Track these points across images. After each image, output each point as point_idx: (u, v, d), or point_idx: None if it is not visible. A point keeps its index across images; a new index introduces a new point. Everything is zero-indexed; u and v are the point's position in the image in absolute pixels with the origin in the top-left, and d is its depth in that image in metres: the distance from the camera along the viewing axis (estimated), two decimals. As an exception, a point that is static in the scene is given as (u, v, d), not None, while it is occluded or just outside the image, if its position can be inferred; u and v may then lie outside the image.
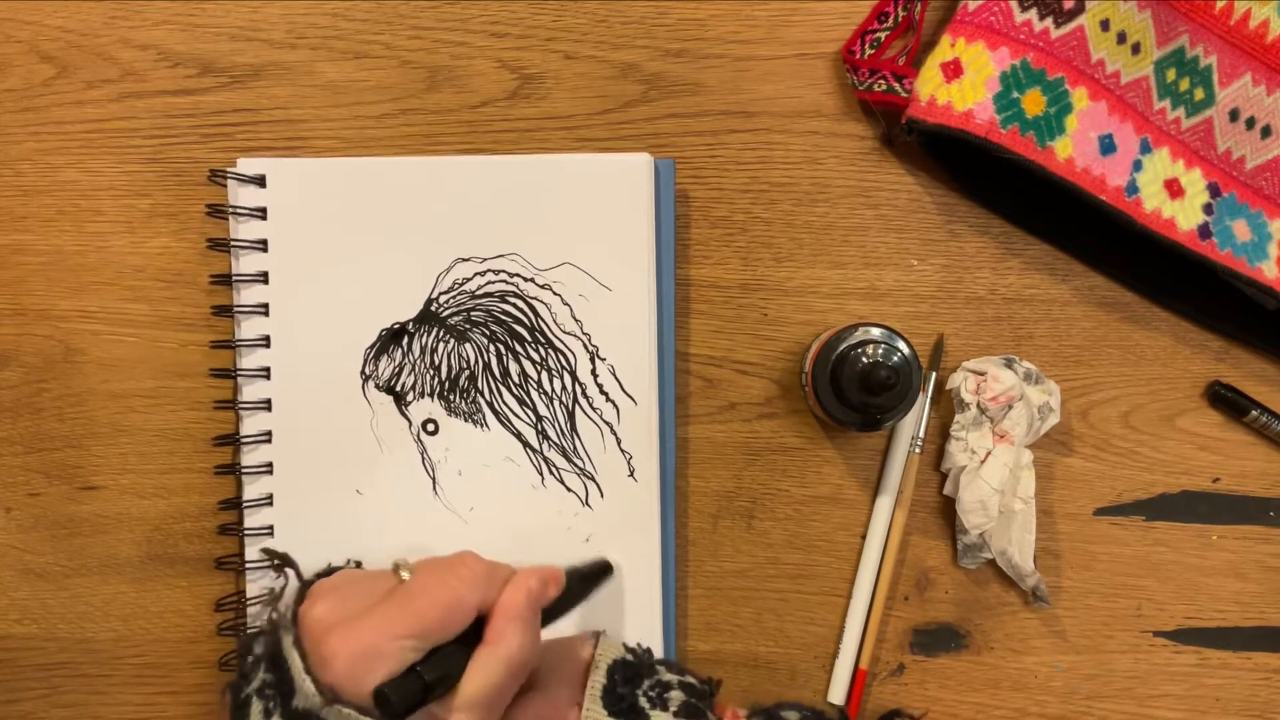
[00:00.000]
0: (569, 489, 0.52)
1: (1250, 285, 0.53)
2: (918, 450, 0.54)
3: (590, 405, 0.52)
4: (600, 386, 0.52)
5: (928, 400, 0.54)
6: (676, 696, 0.46)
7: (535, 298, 0.52)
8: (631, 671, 0.47)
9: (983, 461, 0.52)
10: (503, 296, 0.52)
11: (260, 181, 0.52)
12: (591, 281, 0.52)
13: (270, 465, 0.52)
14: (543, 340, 0.52)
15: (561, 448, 0.52)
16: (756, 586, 0.55)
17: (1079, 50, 0.50)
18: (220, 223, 0.53)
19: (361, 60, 0.54)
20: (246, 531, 0.52)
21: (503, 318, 0.52)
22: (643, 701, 0.45)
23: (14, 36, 0.54)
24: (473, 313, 0.52)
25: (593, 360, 0.52)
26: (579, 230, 0.52)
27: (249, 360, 0.52)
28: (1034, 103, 0.50)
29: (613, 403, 0.52)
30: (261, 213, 0.52)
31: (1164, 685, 0.55)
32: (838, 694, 0.54)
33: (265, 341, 0.52)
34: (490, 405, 0.52)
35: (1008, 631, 0.55)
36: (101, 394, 0.54)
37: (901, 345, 0.48)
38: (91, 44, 0.54)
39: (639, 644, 0.49)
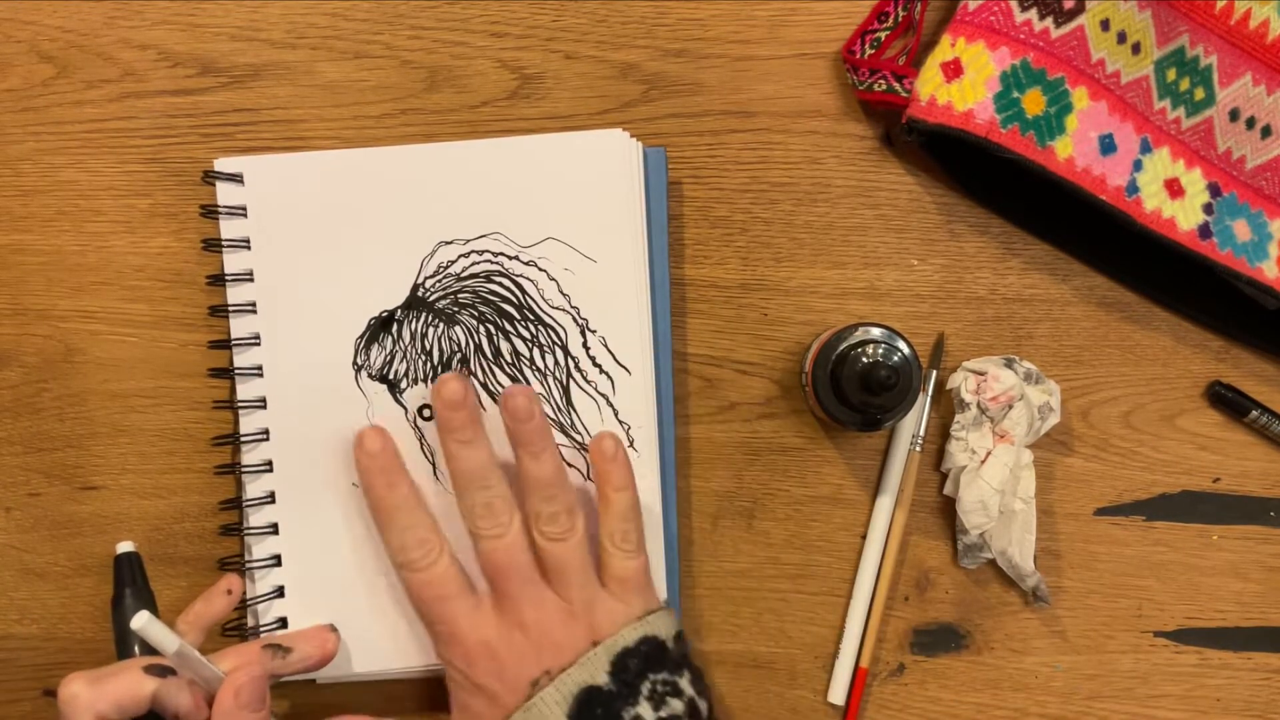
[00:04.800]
0: (569, 464, 0.52)
1: (1250, 285, 0.53)
2: (918, 450, 0.54)
3: (584, 379, 0.52)
4: (593, 359, 0.52)
5: (928, 400, 0.54)
6: None
7: (521, 275, 0.52)
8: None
9: (983, 461, 0.52)
10: (488, 276, 0.52)
11: (240, 179, 0.52)
12: (576, 255, 0.52)
13: (270, 463, 0.52)
14: (532, 317, 0.52)
15: (559, 423, 0.52)
16: (756, 586, 0.55)
17: (1079, 50, 0.50)
18: (216, 223, 0.53)
19: (361, 60, 0.54)
20: (249, 531, 0.52)
21: (490, 298, 0.52)
22: None
23: (14, 36, 0.54)
24: (460, 295, 0.52)
25: (583, 333, 0.52)
26: (559, 205, 0.52)
27: (243, 359, 0.52)
28: (1034, 102, 0.50)
29: (607, 374, 0.52)
30: (243, 210, 0.52)
31: (1164, 685, 0.55)
32: (838, 694, 0.54)
33: (256, 339, 0.52)
34: (484, 386, 0.52)
35: (1008, 631, 0.55)
36: (101, 394, 0.54)
37: (901, 345, 0.48)
38: (91, 44, 0.54)
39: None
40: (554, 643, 0.46)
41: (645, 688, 0.45)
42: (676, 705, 0.45)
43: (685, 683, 0.46)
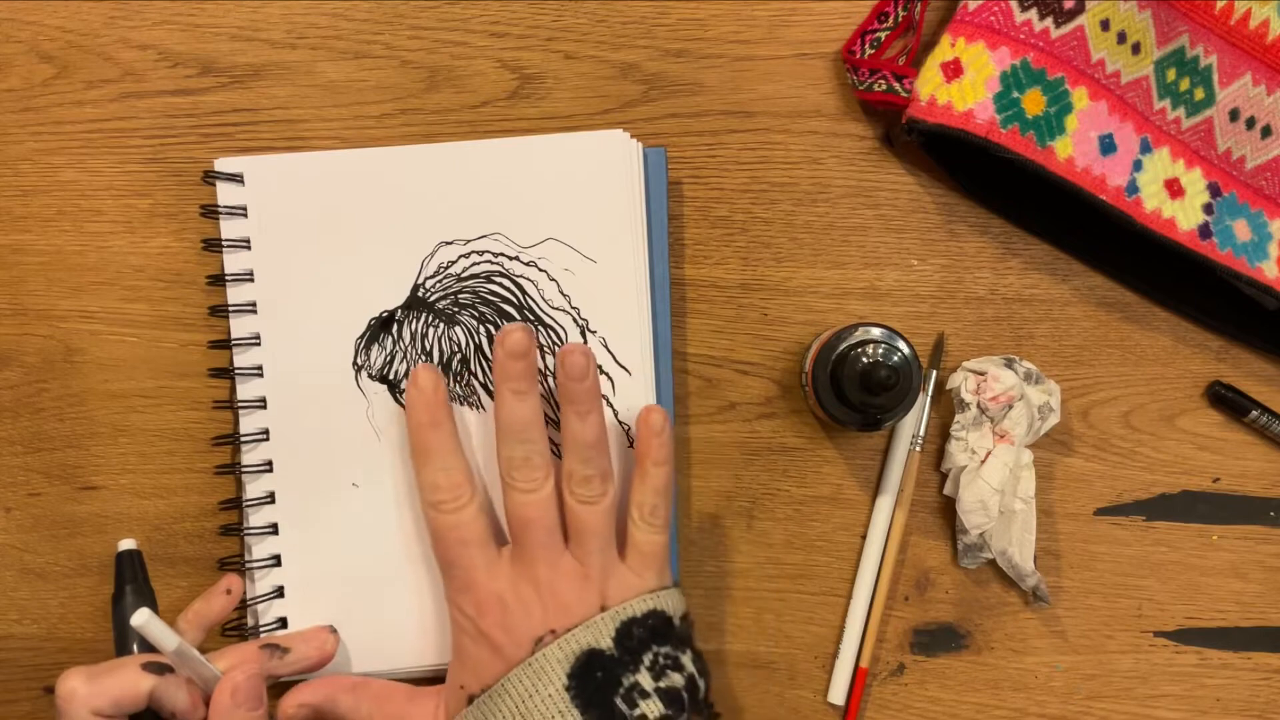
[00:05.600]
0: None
1: (1250, 285, 0.53)
2: (918, 450, 0.54)
3: None
4: None
5: (928, 400, 0.54)
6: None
7: (521, 276, 0.52)
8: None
9: (983, 461, 0.52)
10: (489, 277, 0.52)
11: (240, 179, 0.52)
12: (576, 255, 0.52)
13: (270, 463, 0.52)
14: (532, 318, 0.52)
15: (558, 424, 0.52)
16: (756, 586, 0.55)
17: (1079, 50, 0.50)
18: (216, 223, 0.53)
19: (361, 60, 0.54)
20: (249, 531, 0.52)
21: (490, 298, 0.52)
22: None
23: (14, 36, 0.54)
24: (460, 295, 0.52)
25: (583, 334, 0.52)
26: (560, 206, 0.52)
27: (243, 359, 0.52)
28: (1034, 102, 0.50)
29: (607, 375, 0.52)
30: (243, 211, 0.52)
31: (1164, 685, 0.55)
32: (838, 694, 0.54)
33: (256, 339, 0.52)
34: (485, 387, 0.52)
35: (1008, 631, 0.55)
36: (101, 394, 0.54)
37: (901, 345, 0.48)
38: (91, 44, 0.54)
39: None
40: (563, 603, 0.46)
41: (647, 658, 0.45)
42: (676, 679, 0.45)
43: (687, 659, 0.46)
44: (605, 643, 0.45)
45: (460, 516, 0.48)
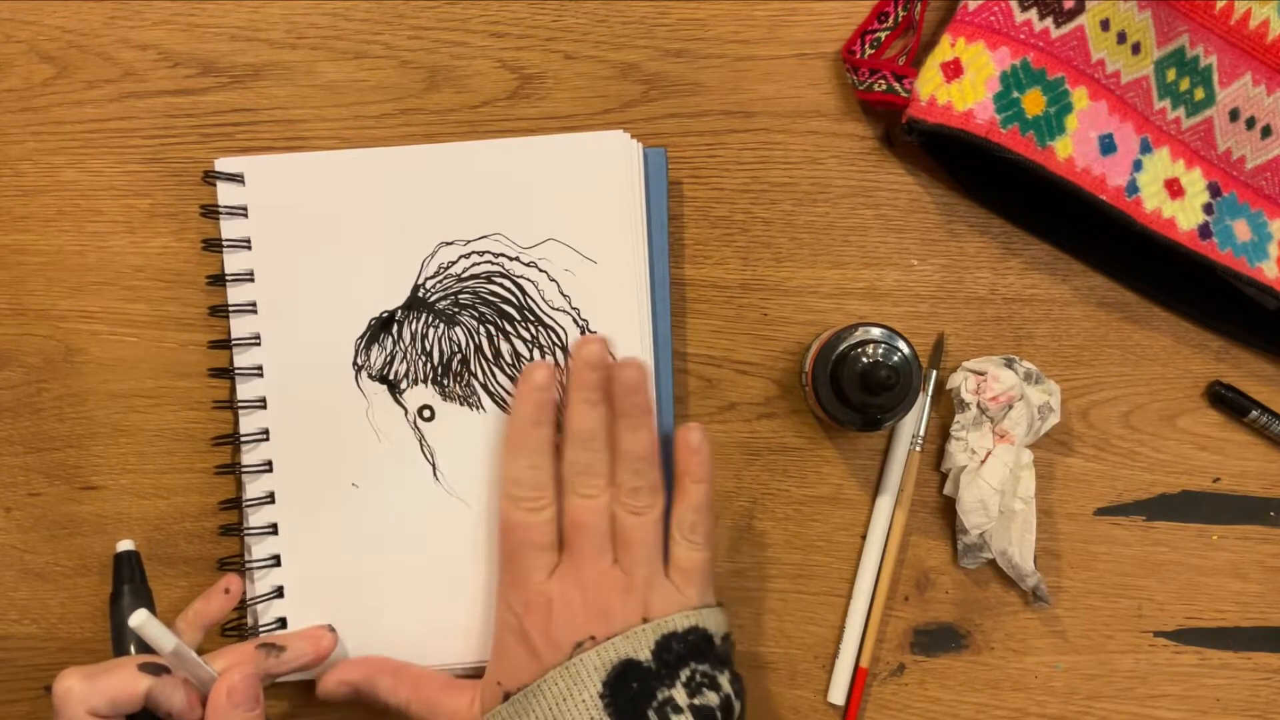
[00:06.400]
0: None
1: (1250, 285, 0.53)
2: (918, 450, 0.54)
3: None
4: None
5: (928, 400, 0.54)
6: None
7: (522, 276, 0.52)
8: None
9: (983, 461, 0.52)
10: (489, 277, 0.52)
11: (240, 180, 0.52)
12: (576, 256, 0.52)
13: (270, 463, 0.52)
14: (532, 318, 0.52)
15: (559, 424, 0.52)
16: (756, 586, 0.55)
17: (1079, 50, 0.50)
18: (216, 223, 0.53)
19: (361, 60, 0.54)
20: (249, 531, 0.52)
21: (490, 299, 0.52)
22: None
23: (14, 36, 0.54)
24: (460, 296, 0.52)
25: (583, 334, 0.52)
26: (561, 207, 0.52)
27: (243, 359, 0.52)
28: (1034, 102, 0.50)
29: None
30: (243, 211, 0.52)
31: (1164, 685, 0.55)
32: (838, 694, 0.54)
33: (256, 339, 0.52)
34: (484, 387, 0.52)
35: (1008, 631, 0.55)
36: (101, 394, 0.54)
37: (901, 345, 0.48)
38: (91, 44, 0.54)
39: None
40: (606, 610, 0.47)
41: (684, 674, 0.46)
42: (712, 697, 0.45)
43: (724, 680, 0.46)
44: (643, 654, 0.46)
45: (536, 518, 0.48)
